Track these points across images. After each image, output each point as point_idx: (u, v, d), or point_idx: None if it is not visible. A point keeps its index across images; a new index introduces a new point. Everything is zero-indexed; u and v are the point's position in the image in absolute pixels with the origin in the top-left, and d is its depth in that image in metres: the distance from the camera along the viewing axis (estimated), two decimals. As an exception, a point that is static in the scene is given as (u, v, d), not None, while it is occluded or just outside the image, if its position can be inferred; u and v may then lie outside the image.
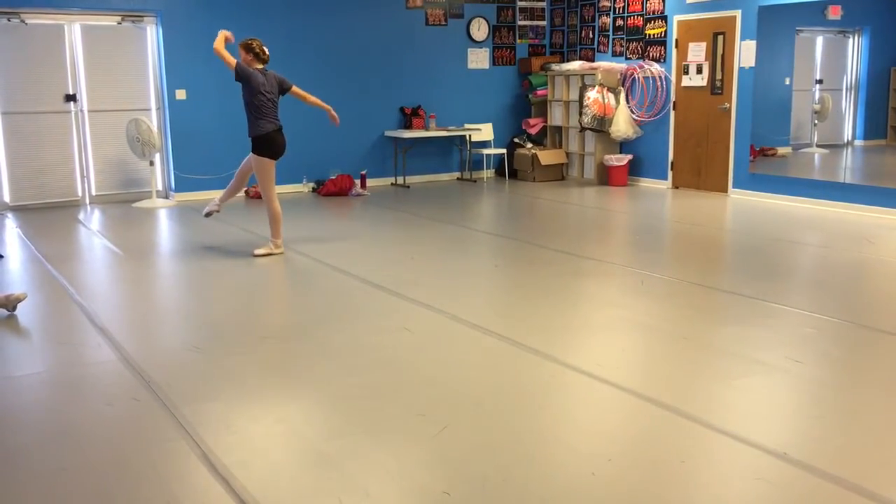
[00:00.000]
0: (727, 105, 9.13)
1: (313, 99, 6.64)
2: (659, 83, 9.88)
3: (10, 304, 4.87)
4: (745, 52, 8.87)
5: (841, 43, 8.84)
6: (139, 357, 4.11)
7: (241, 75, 6.14)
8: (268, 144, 6.31)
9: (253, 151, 6.37)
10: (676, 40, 9.67)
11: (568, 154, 10.91)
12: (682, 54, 9.61)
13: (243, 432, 3.22)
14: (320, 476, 2.86)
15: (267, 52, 6.31)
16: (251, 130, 6.30)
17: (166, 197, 9.52)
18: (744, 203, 8.76)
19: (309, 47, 9.93)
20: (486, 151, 11.05)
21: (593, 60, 10.83)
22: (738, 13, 8.90)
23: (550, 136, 11.15)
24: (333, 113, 6.68)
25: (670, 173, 9.95)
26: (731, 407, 3.42)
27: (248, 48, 6.22)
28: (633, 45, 10.27)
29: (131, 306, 5.19)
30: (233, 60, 6.11)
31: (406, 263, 6.18)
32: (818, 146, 9.26)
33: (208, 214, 6.87)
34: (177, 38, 9.18)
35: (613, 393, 3.58)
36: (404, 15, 10.53)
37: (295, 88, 6.54)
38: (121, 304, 5.24)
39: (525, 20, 11.42)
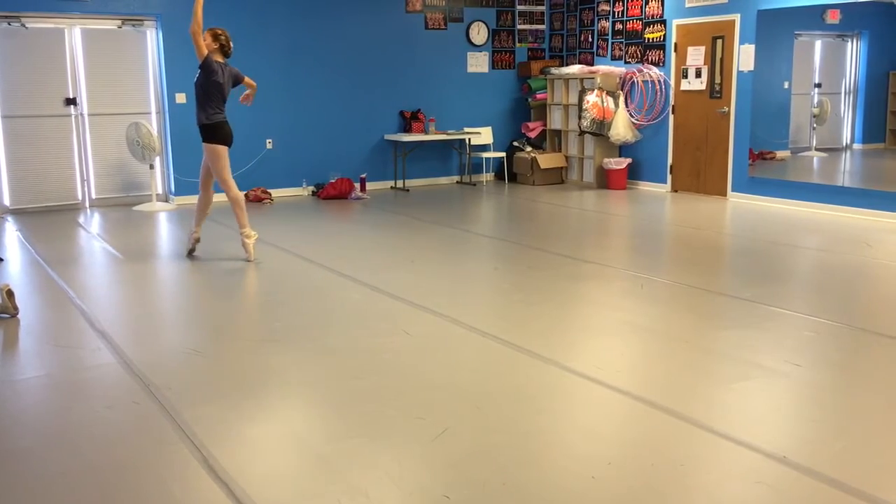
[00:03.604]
0: (726, 109, 9.15)
1: (251, 81, 6.55)
2: (658, 87, 9.90)
3: (11, 307, 4.87)
4: (744, 56, 8.89)
5: (840, 47, 8.86)
6: (139, 360, 4.11)
7: (206, 66, 6.09)
8: (221, 132, 6.24)
9: (205, 140, 6.27)
10: (675, 44, 9.69)
11: (567, 158, 10.92)
12: (681, 58, 9.63)
13: (243, 435, 3.23)
14: (320, 479, 2.87)
15: (232, 48, 6.27)
16: (201, 118, 6.20)
17: (166, 200, 9.53)
18: (743, 206, 8.77)
19: (309, 51, 9.94)
20: (485, 155, 11.06)
21: (592, 64, 10.86)
22: (736, 17, 8.92)
23: (550, 140, 11.16)
24: (252, 92, 6.55)
25: (669, 177, 9.97)
26: (731, 410, 3.42)
27: (215, 37, 6.15)
28: (632, 49, 10.29)
29: (131, 309, 5.19)
30: (205, 51, 6.07)
31: (405, 267, 6.18)
32: (817, 150, 9.27)
33: (191, 252, 6.58)
34: (177, 42, 9.19)
35: (613, 396, 3.59)
36: (404, 19, 10.54)
37: (247, 79, 6.49)
38: (121, 308, 5.24)
39: (524, 24, 11.44)
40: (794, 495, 2.71)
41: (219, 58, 6.19)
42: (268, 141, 9.85)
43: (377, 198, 9.84)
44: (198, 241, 6.62)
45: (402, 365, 4.02)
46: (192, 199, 9.37)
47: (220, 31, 6.21)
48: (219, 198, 9.58)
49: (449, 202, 9.51)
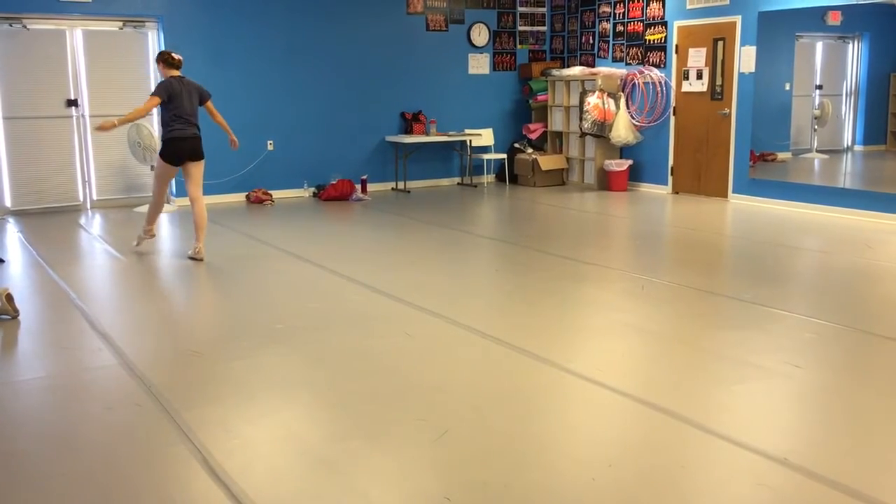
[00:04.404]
0: (727, 110, 9.15)
1: (220, 119, 6.81)
2: (659, 89, 9.90)
3: (11, 310, 4.87)
4: (745, 58, 8.89)
5: (841, 48, 8.85)
6: (139, 361, 4.11)
7: (164, 96, 6.39)
8: (169, 149, 6.50)
9: (159, 153, 6.63)
10: (676, 46, 9.69)
11: (568, 159, 10.92)
12: (682, 60, 9.63)
13: (243, 437, 3.23)
14: (321, 480, 2.87)
15: (176, 58, 6.59)
16: (162, 133, 6.58)
17: (167, 202, 9.52)
18: (744, 208, 8.77)
19: (310, 53, 9.95)
20: (486, 156, 11.06)
21: (593, 66, 10.86)
22: (737, 19, 8.92)
23: (551, 142, 11.16)
24: (233, 137, 6.91)
25: (670, 178, 9.96)
26: (732, 412, 3.42)
27: (159, 57, 6.61)
28: (633, 51, 10.29)
29: (132, 310, 5.19)
30: (150, 104, 6.43)
31: (406, 268, 6.18)
32: (818, 151, 9.27)
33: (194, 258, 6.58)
34: (178, 44, 9.17)
35: (614, 398, 3.58)
36: (405, 20, 10.55)
37: (209, 104, 6.73)
38: (121, 309, 5.24)
39: (525, 26, 11.44)
40: (795, 497, 2.71)
41: (173, 72, 6.54)
42: (269, 142, 9.86)
43: (378, 199, 9.84)
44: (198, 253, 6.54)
45: (403, 366, 4.02)
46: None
47: (161, 52, 6.64)
48: (213, 200, 9.60)
49: (450, 204, 9.51)
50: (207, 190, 9.40)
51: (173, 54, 6.61)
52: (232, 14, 9.44)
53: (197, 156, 6.56)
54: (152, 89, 9.24)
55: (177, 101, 6.42)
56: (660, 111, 9.95)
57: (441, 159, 11.06)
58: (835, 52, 8.94)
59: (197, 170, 6.60)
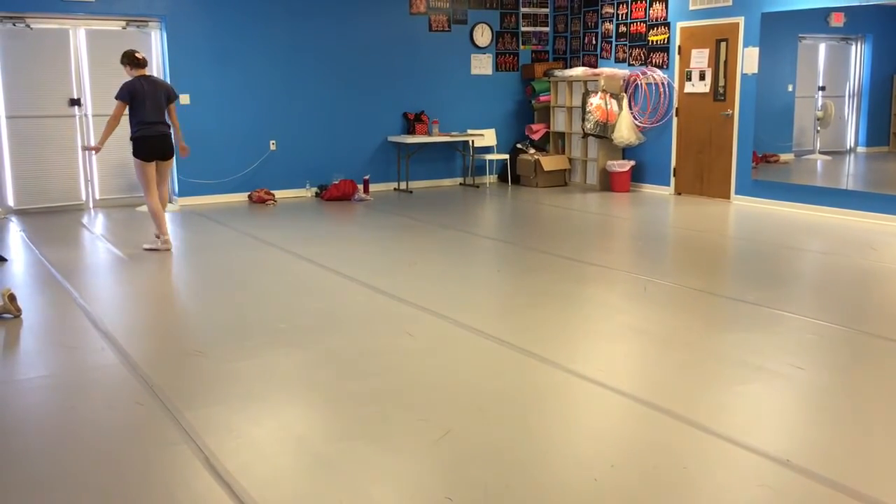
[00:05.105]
0: (730, 111, 9.14)
1: (175, 120, 6.94)
2: (662, 89, 9.90)
3: (13, 309, 4.88)
4: (748, 59, 8.88)
5: (844, 50, 8.85)
6: (142, 361, 4.12)
7: (128, 99, 6.56)
8: (139, 146, 6.65)
9: (132, 153, 6.76)
10: (679, 47, 9.68)
11: (571, 160, 10.92)
12: (685, 61, 9.62)
13: (246, 436, 3.23)
14: (322, 480, 2.87)
15: (140, 57, 6.77)
16: (130, 133, 6.72)
17: (170, 201, 9.52)
18: (746, 209, 8.76)
19: (312, 53, 9.95)
20: (488, 157, 11.06)
21: (596, 67, 10.86)
22: (740, 20, 8.91)
23: (553, 142, 11.16)
24: (184, 144, 7.07)
25: (673, 179, 9.96)
26: (734, 413, 3.42)
27: (123, 58, 6.77)
28: (635, 52, 10.29)
29: (135, 310, 5.20)
30: (119, 110, 6.58)
31: (408, 268, 6.19)
32: (821, 153, 9.26)
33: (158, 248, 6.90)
34: (181, 43, 9.21)
35: (616, 399, 3.58)
36: (408, 21, 10.55)
37: (172, 106, 6.88)
38: (124, 308, 5.25)
39: (528, 26, 11.44)
40: (797, 499, 2.71)
41: (140, 72, 6.70)
42: (271, 142, 9.86)
43: (380, 199, 9.84)
44: (163, 246, 6.89)
45: (405, 367, 4.02)
46: (196, 200, 9.43)
47: (126, 52, 6.80)
48: (215, 199, 9.61)
49: (452, 204, 9.51)
50: (209, 189, 9.49)
51: (136, 53, 6.72)
52: (235, 14, 9.45)
53: (167, 154, 6.77)
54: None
55: (139, 101, 6.56)
56: (662, 112, 9.94)
57: (443, 160, 11.06)
58: (838, 54, 8.94)
59: (167, 169, 6.87)
